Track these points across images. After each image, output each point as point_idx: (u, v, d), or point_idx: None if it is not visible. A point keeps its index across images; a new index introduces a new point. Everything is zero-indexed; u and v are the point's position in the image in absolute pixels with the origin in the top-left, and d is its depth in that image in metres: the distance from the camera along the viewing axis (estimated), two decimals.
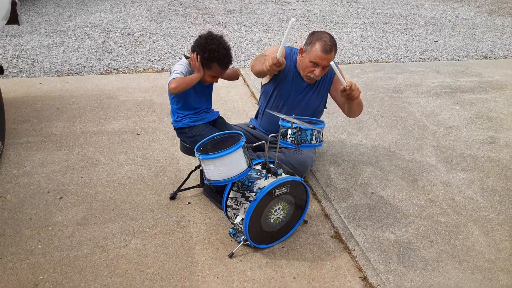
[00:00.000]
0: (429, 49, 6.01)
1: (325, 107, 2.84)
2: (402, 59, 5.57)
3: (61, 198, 2.49)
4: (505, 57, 5.82)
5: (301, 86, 2.67)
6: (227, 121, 2.58)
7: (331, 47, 2.44)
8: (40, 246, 2.13)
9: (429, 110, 3.95)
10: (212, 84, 2.43)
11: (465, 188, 2.80)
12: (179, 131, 2.45)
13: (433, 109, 3.99)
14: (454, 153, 3.22)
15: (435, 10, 8.56)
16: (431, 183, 2.84)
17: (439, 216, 2.52)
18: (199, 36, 2.25)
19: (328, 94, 2.78)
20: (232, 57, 2.27)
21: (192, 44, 2.29)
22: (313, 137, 2.22)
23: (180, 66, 2.26)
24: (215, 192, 2.47)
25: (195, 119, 2.40)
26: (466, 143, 3.38)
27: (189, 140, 2.40)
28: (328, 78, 2.71)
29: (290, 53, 2.66)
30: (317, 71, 2.50)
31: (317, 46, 2.43)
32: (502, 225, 2.47)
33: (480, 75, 4.95)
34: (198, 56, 2.20)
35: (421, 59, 5.61)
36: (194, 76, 2.22)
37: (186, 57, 2.35)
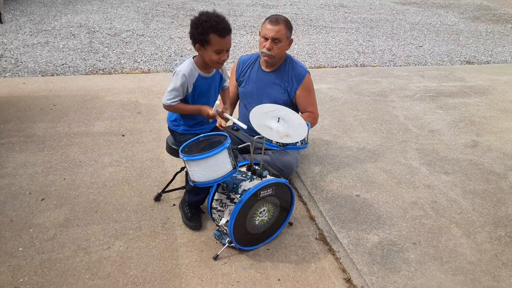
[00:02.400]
0: (414, 54, 6.10)
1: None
2: (387, 64, 5.63)
3: (43, 199, 2.46)
4: (488, 63, 5.93)
5: (265, 80, 2.76)
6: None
7: (276, 18, 2.58)
8: (20, 249, 2.09)
9: (413, 114, 4.00)
10: (217, 92, 2.32)
11: (448, 191, 2.84)
12: (171, 131, 2.39)
13: (417, 112, 4.04)
14: (437, 156, 3.27)
15: (420, 16, 8.68)
16: (415, 185, 2.87)
17: (422, 218, 2.55)
18: (191, 20, 2.11)
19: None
20: (228, 24, 2.09)
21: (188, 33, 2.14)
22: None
23: (179, 85, 2.13)
24: (187, 206, 2.36)
25: (190, 129, 2.30)
26: (449, 147, 3.43)
27: (176, 144, 2.35)
28: (295, 82, 2.72)
29: (248, 57, 2.85)
30: (267, 44, 2.57)
31: (266, 22, 2.60)
32: (483, 227, 2.51)
33: (463, 80, 5.04)
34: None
35: (406, 64, 5.68)
36: (195, 109, 2.19)
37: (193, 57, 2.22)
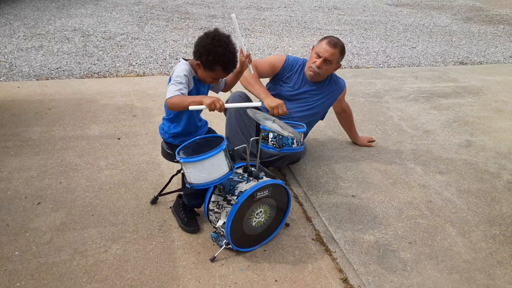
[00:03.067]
0: (408, 55, 6.14)
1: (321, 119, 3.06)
2: (381, 65, 5.67)
3: (39, 203, 2.45)
4: (481, 63, 5.99)
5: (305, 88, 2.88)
6: (211, 126, 2.54)
7: (335, 42, 2.72)
8: (17, 253, 2.09)
9: (408, 115, 4.03)
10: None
11: (443, 190, 2.86)
12: (167, 143, 2.34)
13: (411, 113, 4.07)
14: (431, 156, 3.29)
15: (413, 18, 8.75)
16: (410, 185, 2.89)
17: (418, 218, 2.57)
18: (205, 34, 2.05)
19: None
20: (237, 62, 2.10)
21: (195, 42, 2.08)
22: (295, 141, 2.25)
23: (183, 77, 2.04)
24: (181, 211, 2.35)
25: (185, 139, 2.21)
26: (443, 147, 3.46)
27: (170, 153, 2.30)
28: (334, 94, 2.96)
29: (295, 61, 2.92)
30: (318, 61, 2.70)
31: (324, 41, 2.74)
32: (478, 226, 2.53)
33: (456, 81, 5.08)
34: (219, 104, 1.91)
35: (399, 65, 5.72)
36: (198, 100, 1.93)
37: (185, 60, 2.18)
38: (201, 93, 2.22)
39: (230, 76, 2.27)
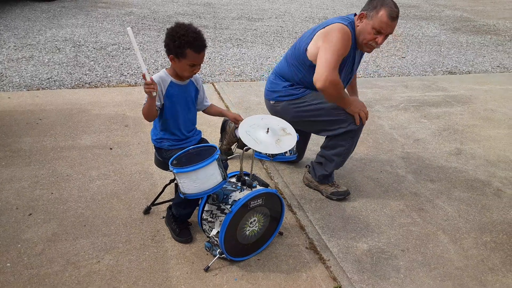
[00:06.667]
0: (397, 65, 6.22)
1: None
2: (371, 75, 5.73)
3: (30, 214, 2.43)
4: (469, 73, 6.08)
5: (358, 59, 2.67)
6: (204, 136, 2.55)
7: (397, 13, 2.35)
8: (8, 264, 2.06)
9: (398, 123, 4.07)
10: (194, 104, 2.33)
11: (434, 198, 2.89)
12: (157, 149, 2.36)
13: (402, 122, 4.11)
14: (422, 164, 3.33)
15: (402, 28, 8.87)
16: (402, 193, 2.92)
17: (410, 226, 2.59)
18: (167, 29, 2.13)
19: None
20: (204, 40, 2.10)
21: (163, 41, 2.13)
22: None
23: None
24: (173, 222, 2.36)
25: (174, 144, 2.28)
26: (433, 155, 3.50)
27: (164, 160, 2.31)
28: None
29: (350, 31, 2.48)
30: (380, 39, 2.41)
31: (382, 12, 2.33)
32: (469, 233, 2.56)
33: (446, 90, 5.15)
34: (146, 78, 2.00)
35: (390, 75, 5.79)
36: (149, 101, 2.07)
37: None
38: (189, 97, 2.28)
39: (216, 111, 2.49)
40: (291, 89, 2.69)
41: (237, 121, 2.34)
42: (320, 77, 2.38)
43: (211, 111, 2.49)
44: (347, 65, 2.59)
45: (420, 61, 6.46)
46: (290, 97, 2.69)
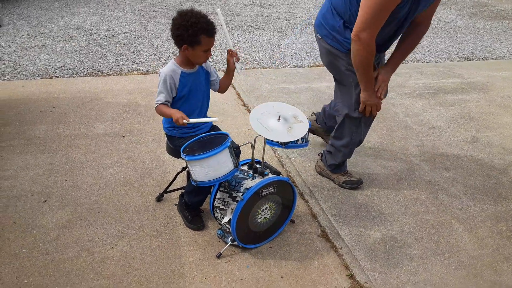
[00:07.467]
0: (412, 51, 6.10)
1: None
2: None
3: (45, 201, 2.46)
4: (486, 59, 5.95)
5: None
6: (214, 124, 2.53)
7: None
8: (24, 250, 2.10)
9: (413, 111, 4.01)
10: (208, 94, 2.33)
11: (449, 187, 2.85)
12: (169, 137, 2.36)
13: (417, 109, 4.05)
14: (437, 153, 3.28)
15: None
16: (416, 182, 2.88)
17: (424, 214, 2.56)
18: (172, 20, 2.09)
19: None
20: (213, 22, 2.10)
21: (171, 34, 2.10)
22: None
23: (162, 84, 2.12)
24: (185, 209, 2.37)
25: (186, 131, 2.28)
26: (449, 143, 3.44)
27: (176, 148, 2.30)
28: None
29: None
30: None
31: None
32: (485, 222, 2.52)
33: (462, 77, 5.05)
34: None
35: (404, 61, 5.68)
36: (171, 112, 2.09)
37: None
38: (202, 82, 2.26)
39: (223, 77, 2.35)
40: (338, 35, 2.39)
41: (232, 53, 2.27)
42: (353, 31, 2.16)
43: (222, 85, 2.40)
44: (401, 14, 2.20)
45: (435, 47, 6.33)
46: (333, 43, 2.44)
